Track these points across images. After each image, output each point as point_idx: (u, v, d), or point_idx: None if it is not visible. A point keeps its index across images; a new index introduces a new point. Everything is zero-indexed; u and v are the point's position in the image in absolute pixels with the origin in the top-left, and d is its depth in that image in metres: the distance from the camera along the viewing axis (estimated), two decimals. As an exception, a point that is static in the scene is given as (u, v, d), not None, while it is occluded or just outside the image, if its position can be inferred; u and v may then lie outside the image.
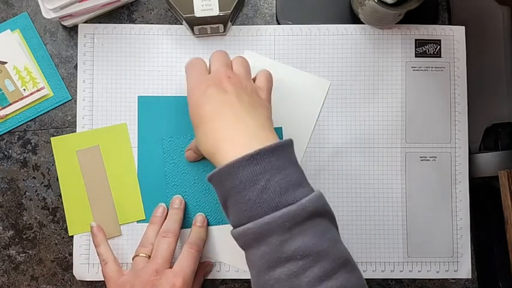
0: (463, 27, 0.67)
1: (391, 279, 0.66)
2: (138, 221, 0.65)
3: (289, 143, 0.50)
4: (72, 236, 0.65)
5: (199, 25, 0.63)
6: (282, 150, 0.48)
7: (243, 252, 0.49)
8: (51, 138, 0.65)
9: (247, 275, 0.65)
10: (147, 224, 0.63)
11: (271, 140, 0.50)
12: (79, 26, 0.66)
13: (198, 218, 0.63)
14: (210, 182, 0.50)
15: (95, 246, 0.63)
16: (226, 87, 0.53)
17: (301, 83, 0.66)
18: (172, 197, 0.64)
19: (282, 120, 0.64)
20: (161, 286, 0.57)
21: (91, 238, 0.64)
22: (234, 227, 0.49)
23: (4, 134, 0.66)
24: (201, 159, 0.64)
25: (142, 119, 0.65)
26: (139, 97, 0.65)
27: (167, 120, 0.65)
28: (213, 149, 0.51)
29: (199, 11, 0.62)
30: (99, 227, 0.64)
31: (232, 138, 0.50)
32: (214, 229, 0.64)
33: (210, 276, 0.65)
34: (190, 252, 0.60)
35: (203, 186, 0.64)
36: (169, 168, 0.65)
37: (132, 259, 0.61)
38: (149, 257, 0.60)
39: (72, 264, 0.65)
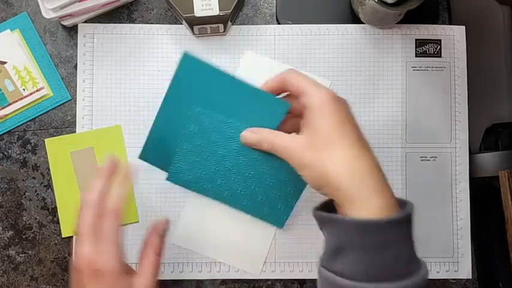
0: (463, 27, 0.67)
1: (391, 280, 0.66)
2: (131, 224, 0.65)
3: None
4: (71, 236, 0.65)
5: (199, 25, 0.63)
6: (412, 218, 0.47)
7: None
8: (46, 140, 0.65)
9: (247, 275, 0.65)
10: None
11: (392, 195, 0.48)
12: (79, 25, 0.66)
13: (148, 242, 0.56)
14: (327, 223, 0.47)
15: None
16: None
17: None
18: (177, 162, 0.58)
19: None
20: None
21: None
22: (342, 276, 0.45)
23: (4, 134, 0.66)
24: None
25: (179, 79, 0.55)
26: (185, 54, 0.54)
27: (206, 91, 0.56)
28: (351, 185, 0.46)
29: (199, 11, 0.62)
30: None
31: (377, 185, 0.47)
32: (214, 228, 0.64)
33: (210, 277, 0.65)
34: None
35: (218, 168, 0.58)
36: (185, 135, 0.58)
37: None
38: None
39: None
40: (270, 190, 0.59)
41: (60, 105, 0.66)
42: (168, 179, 0.59)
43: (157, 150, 0.59)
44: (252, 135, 0.55)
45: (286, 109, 0.54)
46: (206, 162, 0.58)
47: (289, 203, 0.60)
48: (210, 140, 0.57)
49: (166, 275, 0.64)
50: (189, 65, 0.55)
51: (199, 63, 0.55)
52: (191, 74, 0.55)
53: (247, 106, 0.55)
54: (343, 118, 0.49)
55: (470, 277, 0.65)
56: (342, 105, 0.49)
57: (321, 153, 0.48)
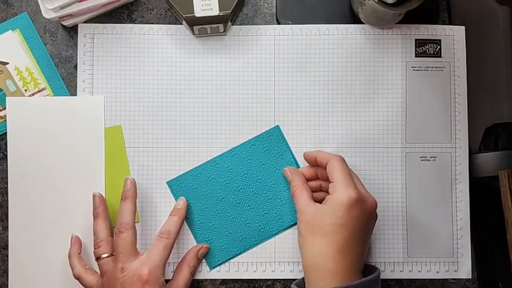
0: (463, 27, 0.67)
1: (391, 280, 0.65)
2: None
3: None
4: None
5: (199, 25, 0.63)
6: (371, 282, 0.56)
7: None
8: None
9: (247, 275, 0.65)
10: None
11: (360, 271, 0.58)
12: (79, 26, 0.66)
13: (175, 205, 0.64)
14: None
15: (68, 257, 0.62)
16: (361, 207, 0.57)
17: (74, 107, 0.65)
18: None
19: (73, 156, 0.65)
20: (130, 281, 0.57)
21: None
22: None
23: (4, 134, 0.66)
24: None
25: (258, 140, 0.66)
26: (277, 126, 0.66)
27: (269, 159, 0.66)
28: (313, 278, 0.56)
29: (199, 11, 0.62)
30: (76, 239, 0.63)
31: (345, 262, 0.55)
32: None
33: (210, 277, 0.65)
34: (159, 241, 0.60)
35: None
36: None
37: (96, 260, 0.60)
38: (112, 254, 0.60)
39: (72, 264, 0.65)
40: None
41: (60, 105, 0.66)
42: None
43: (188, 185, 0.65)
44: (288, 174, 0.63)
45: None
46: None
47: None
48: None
49: (167, 274, 0.64)
50: (272, 135, 0.65)
51: (281, 137, 0.65)
52: (269, 140, 0.65)
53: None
54: (344, 221, 0.56)
55: (470, 277, 0.65)
56: (355, 210, 0.56)
57: (309, 236, 0.57)
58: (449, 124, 0.66)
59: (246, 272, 0.65)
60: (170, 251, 0.61)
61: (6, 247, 0.65)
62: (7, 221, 0.65)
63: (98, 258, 0.60)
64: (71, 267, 0.62)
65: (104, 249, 0.60)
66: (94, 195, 0.63)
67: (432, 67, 0.67)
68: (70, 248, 0.63)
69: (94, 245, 0.61)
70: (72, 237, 0.63)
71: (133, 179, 0.63)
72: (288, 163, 0.65)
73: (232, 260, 0.65)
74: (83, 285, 0.61)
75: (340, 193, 0.56)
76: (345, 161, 0.60)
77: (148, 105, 0.66)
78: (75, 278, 0.61)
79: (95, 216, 0.62)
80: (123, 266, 0.58)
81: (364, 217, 0.57)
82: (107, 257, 0.59)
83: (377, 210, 0.61)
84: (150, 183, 0.65)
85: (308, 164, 0.65)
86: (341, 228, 0.55)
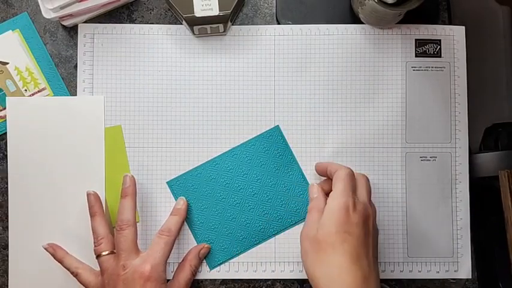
0: (463, 27, 0.67)
1: (391, 280, 0.65)
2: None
3: None
4: (72, 236, 0.65)
5: (199, 25, 0.63)
6: None
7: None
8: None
9: (247, 275, 0.65)
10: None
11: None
12: (79, 26, 0.66)
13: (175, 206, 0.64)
14: None
15: (59, 262, 0.62)
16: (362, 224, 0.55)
17: (74, 107, 0.65)
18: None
19: (73, 156, 0.65)
20: (131, 278, 0.57)
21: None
22: None
23: (4, 134, 0.66)
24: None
25: (258, 140, 0.66)
26: (277, 126, 0.66)
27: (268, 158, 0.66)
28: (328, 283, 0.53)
29: (199, 11, 0.62)
30: (53, 245, 0.63)
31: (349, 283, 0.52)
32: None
33: (210, 276, 0.65)
34: (159, 238, 0.61)
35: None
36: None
37: (96, 258, 0.60)
38: (112, 251, 0.60)
39: (72, 264, 0.65)
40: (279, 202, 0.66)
41: (60, 105, 0.66)
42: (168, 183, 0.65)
43: (188, 185, 0.65)
44: (314, 192, 0.61)
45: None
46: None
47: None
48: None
49: (167, 275, 0.64)
50: (272, 135, 0.65)
51: (281, 137, 0.65)
52: (269, 140, 0.65)
53: (289, 185, 0.65)
54: (347, 227, 0.54)
55: (470, 277, 0.65)
56: (353, 216, 0.55)
57: (317, 254, 0.55)
58: (449, 124, 0.66)
59: (246, 272, 0.65)
60: (171, 248, 0.61)
61: (6, 247, 0.65)
62: (7, 221, 0.65)
63: (98, 256, 0.60)
64: (66, 268, 0.62)
65: (104, 246, 0.60)
66: (89, 194, 0.63)
67: (432, 67, 0.67)
68: (54, 254, 0.62)
69: (94, 243, 0.61)
70: (47, 247, 0.63)
71: (132, 175, 0.63)
72: (288, 163, 0.65)
73: (232, 260, 0.65)
74: (81, 282, 0.61)
75: (335, 200, 0.56)
76: (352, 173, 0.58)
77: (148, 105, 0.66)
78: (73, 275, 0.61)
79: (92, 215, 0.62)
80: (124, 263, 0.58)
81: (365, 224, 0.55)
82: (108, 254, 0.60)
83: (377, 210, 0.61)
84: (150, 183, 0.65)
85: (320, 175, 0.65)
86: (346, 236, 0.54)
